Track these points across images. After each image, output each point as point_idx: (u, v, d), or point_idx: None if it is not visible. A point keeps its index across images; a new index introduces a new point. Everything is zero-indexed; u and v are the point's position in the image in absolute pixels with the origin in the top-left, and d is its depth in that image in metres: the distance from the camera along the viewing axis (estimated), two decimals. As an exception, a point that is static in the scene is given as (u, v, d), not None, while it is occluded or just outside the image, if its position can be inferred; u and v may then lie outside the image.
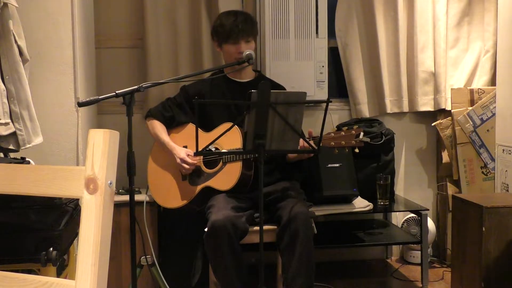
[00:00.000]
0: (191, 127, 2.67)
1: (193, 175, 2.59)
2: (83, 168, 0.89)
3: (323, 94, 3.31)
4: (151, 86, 2.28)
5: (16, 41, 2.15)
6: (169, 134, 2.68)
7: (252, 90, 2.05)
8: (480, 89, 3.39)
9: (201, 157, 2.56)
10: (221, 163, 2.52)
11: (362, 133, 2.27)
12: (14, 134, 2.15)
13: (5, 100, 2.11)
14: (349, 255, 3.54)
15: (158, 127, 2.67)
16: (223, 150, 2.48)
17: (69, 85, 2.64)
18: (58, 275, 1.95)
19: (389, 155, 3.34)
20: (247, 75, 2.70)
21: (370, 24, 3.43)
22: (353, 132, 2.27)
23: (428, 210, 3.08)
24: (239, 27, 2.54)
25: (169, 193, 2.65)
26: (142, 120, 3.22)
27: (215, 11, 3.25)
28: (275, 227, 2.43)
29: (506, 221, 2.51)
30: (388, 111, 3.45)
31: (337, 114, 3.51)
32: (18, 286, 0.92)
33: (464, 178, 3.34)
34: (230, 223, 2.26)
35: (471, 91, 3.38)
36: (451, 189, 3.42)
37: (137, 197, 2.57)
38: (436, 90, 3.45)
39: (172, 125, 2.71)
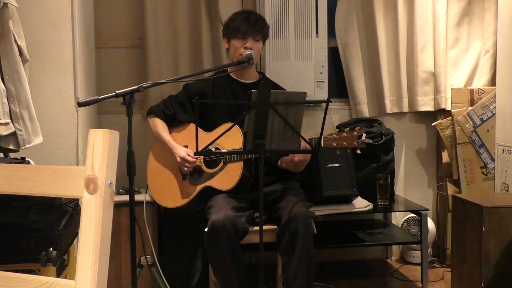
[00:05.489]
0: (192, 127, 2.67)
1: (194, 174, 2.59)
2: (83, 168, 0.89)
3: (323, 94, 3.31)
4: (151, 86, 2.28)
5: (16, 41, 2.15)
6: (170, 132, 2.68)
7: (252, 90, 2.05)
8: (480, 89, 3.39)
9: (202, 156, 2.56)
10: (221, 163, 2.51)
11: (364, 135, 2.27)
12: (14, 134, 2.15)
13: (5, 100, 2.11)
14: (349, 255, 3.54)
15: (159, 125, 2.67)
16: (223, 150, 2.48)
17: (69, 85, 2.64)
18: (58, 275, 1.95)
19: (389, 155, 3.34)
20: (251, 76, 2.70)
21: (370, 24, 3.43)
22: (355, 133, 2.27)
23: (428, 210, 3.08)
24: (250, 23, 2.55)
25: (169, 193, 2.65)
26: (142, 120, 3.23)
27: (215, 11, 3.25)
28: (275, 227, 2.43)
29: (506, 221, 2.51)
30: (388, 111, 3.45)
31: (337, 114, 3.51)
32: (18, 286, 0.92)
33: (464, 178, 3.34)
34: (230, 223, 2.25)
35: (471, 91, 3.38)
36: (451, 189, 3.42)
37: (137, 197, 2.57)
38: (436, 90, 3.45)
39: (173, 123, 2.71)
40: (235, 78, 2.69)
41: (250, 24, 2.55)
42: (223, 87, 2.68)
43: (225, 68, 2.70)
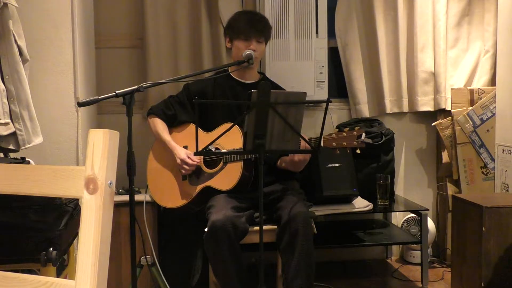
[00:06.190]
0: (192, 127, 2.67)
1: (193, 175, 2.59)
2: (83, 168, 0.89)
3: (323, 94, 3.31)
4: (151, 86, 2.28)
5: (16, 41, 2.15)
6: (170, 133, 2.68)
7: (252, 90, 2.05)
8: (480, 89, 3.39)
9: (202, 157, 2.56)
10: (221, 163, 2.52)
11: (364, 134, 2.27)
12: (14, 134, 2.15)
13: (5, 100, 2.11)
14: (349, 255, 3.54)
15: (160, 126, 2.67)
16: (223, 150, 2.48)
17: (69, 85, 2.64)
18: (58, 275, 1.95)
19: (389, 155, 3.34)
20: (252, 77, 2.70)
21: (370, 24, 3.43)
22: (355, 133, 2.27)
23: (428, 210, 3.08)
24: (253, 25, 2.56)
25: (168, 193, 2.65)
26: (142, 120, 3.23)
27: (215, 11, 3.25)
28: (275, 227, 2.43)
29: (506, 221, 2.51)
30: (388, 111, 3.45)
31: (337, 114, 3.51)
32: (18, 286, 0.92)
33: (464, 178, 3.34)
34: (230, 223, 2.25)
35: (471, 91, 3.38)
36: (451, 189, 3.42)
37: (137, 197, 2.57)
38: (436, 90, 3.45)
39: (174, 123, 2.71)
40: (236, 78, 2.69)
41: (254, 27, 2.55)
42: (224, 87, 2.68)
43: (226, 68, 2.70)
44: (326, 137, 2.30)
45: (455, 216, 2.83)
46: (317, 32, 3.28)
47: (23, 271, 1.83)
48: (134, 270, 2.18)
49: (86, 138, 0.91)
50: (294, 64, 3.27)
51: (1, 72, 2.11)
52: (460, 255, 2.74)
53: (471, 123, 3.32)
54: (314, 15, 3.26)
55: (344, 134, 2.29)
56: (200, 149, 2.11)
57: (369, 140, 2.32)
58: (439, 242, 3.53)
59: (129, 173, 2.08)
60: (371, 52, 3.45)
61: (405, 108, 3.47)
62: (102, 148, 0.88)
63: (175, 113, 2.69)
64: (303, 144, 2.29)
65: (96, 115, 3.20)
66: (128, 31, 3.34)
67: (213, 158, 2.55)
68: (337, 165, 2.99)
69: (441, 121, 3.42)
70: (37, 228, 1.82)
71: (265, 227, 2.25)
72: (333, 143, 2.30)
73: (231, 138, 2.38)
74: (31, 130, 2.21)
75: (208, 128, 2.58)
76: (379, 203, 3.13)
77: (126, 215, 2.35)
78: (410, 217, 3.37)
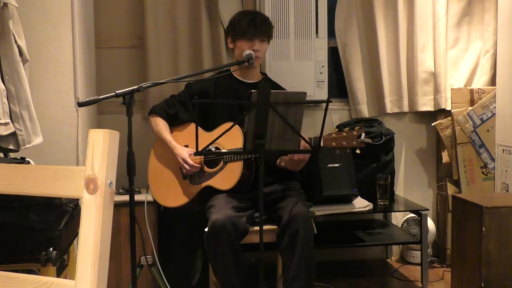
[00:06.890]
0: (193, 126, 2.67)
1: (194, 174, 2.59)
2: (83, 168, 0.89)
3: (323, 94, 3.32)
4: (151, 86, 2.28)
5: (16, 41, 2.15)
6: (171, 132, 2.68)
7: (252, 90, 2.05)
8: (480, 89, 3.39)
9: (202, 157, 2.56)
10: (222, 162, 2.52)
11: (363, 134, 2.27)
12: (14, 134, 2.15)
13: (5, 100, 2.11)
14: (349, 255, 3.54)
15: (161, 125, 2.67)
16: (224, 150, 2.48)
17: (69, 85, 2.64)
18: (58, 275, 1.95)
19: (389, 155, 3.34)
20: (254, 76, 2.71)
21: (370, 24, 3.43)
22: (355, 133, 2.27)
23: (428, 210, 3.08)
24: (257, 25, 2.56)
25: (169, 192, 2.65)
26: (142, 120, 3.23)
27: (215, 11, 3.25)
28: (275, 227, 2.43)
29: (506, 221, 2.51)
30: (388, 111, 3.45)
31: (337, 114, 3.51)
32: (18, 286, 0.92)
33: (464, 178, 3.34)
34: (230, 223, 2.25)
35: (471, 91, 3.38)
36: (451, 189, 3.42)
37: (137, 197, 2.57)
38: (436, 90, 3.45)
39: (175, 122, 2.71)
40: (238, 77, 2.69)
41: (258, 27, 2.56)
42: (225, 87, 2.68)
43: (228, 68, 2.70)
44: (326, 137, 2.30)
45: (455, 216, 2.83)
46: (317, 32, 3.28)
47: (23, 271, 1.83)
48: (134, 270, 2.18)
49: (86, 138, 0.91)
50: (294, 64, 3.27)
51: (1, 72, 2.11)
52: (460, 255, 2.74)
53: (471, 123, 3.32)
54: (314, 15, 3.26)
55: (344, 134, 2.29)
56: (200, 148, 2.11)
57: (369, 140, 2.32)
58: (439, 242, 3.53)
59: (129, 173, 2.08)
60: (371, 52, 3.45)
61: (405, 108, 3.47)
62: (102, 148, 0.88)
63: (177, 112, 2.69)
64: (303, 144, 2.29)
65: (96, 115, 3.20)
66: (128, 31, 3.34)
67: (214, 158, 2.55)
68: (337, 165, 2.99)
69: (441, 121, 3.42)
70: (37, 228, 1.82)
71: (265, 227, 2.25)
72: (333, 143, 2.30)
73: (231, 138, 2.38)
74: (31, 130, 2.21)
75: (209, 128, 2.58)
76: (379, 203, 3.13)
77: (126, 215, 2.36)
78: (410, 217, 3.37)
